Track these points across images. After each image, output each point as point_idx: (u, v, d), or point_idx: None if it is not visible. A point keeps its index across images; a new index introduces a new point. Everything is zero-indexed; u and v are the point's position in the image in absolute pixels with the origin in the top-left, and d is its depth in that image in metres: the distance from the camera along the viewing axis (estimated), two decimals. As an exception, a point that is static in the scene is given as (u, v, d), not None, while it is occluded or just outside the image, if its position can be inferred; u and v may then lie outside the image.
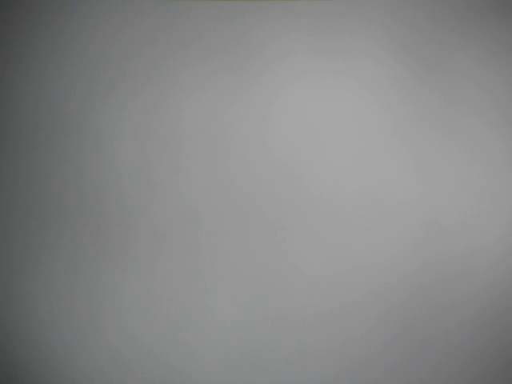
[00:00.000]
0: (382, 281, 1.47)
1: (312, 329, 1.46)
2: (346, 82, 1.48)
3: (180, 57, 1.48)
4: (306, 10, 1.48)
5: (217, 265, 1.46)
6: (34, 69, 1.48)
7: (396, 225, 1.47)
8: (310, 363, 1.46)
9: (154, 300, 1.46)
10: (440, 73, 1.49)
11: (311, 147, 1.48)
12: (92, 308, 1.45)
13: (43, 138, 1.47)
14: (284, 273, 1.46)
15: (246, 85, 1.48)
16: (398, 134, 1.49)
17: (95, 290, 1.45)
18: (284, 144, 1.48)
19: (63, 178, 1.46)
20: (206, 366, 1.46)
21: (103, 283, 1.45)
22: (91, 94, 1.47)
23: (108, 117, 1.47)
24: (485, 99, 1.49)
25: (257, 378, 1.46)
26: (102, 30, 1.48)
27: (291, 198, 1.47)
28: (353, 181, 1.48)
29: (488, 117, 1.49)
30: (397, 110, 1.49)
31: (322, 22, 1.48)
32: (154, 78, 1.48)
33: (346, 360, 1.47)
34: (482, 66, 1.49)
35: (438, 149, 1.49)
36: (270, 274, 1.46)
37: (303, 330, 1.46)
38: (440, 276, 1.47)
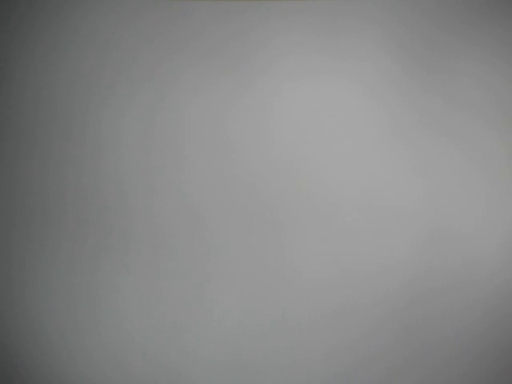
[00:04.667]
0: (384, 285, 1.47)
1: (313, 331, 1.46)
2: (346, 83, 1.49)
3: (180, 56, 1.48)
4: (306, 9, 1.48)
5: (218, 266, 1.46)
6: (33, 69, 1.48)
7: (397, 230, 1.47)
8: (311, 365, 1.46)
9: (155, 300, 1.46)
10: (439, 74, 1.49)
11: (312, 147, 1.48)
12: (92, 308, 1.45)
13: (43, 137, 1.47)
14: (285, 274, 1.46)
15: (247, 84, 1.48)
16: (398, 136, 1.49)
17: (95, 289, 1.46)
18: (284, 143, 1.48)
19: (63, 177, 1.46)
20: (206, 367, 1.46)
21: (103, 283, 1.46)
22: (91, 95, 1.47)
23: (108, 116, 1.47)
24: (485, 100, 1.49)
25: (257, 380, 1.46)
26: (101, 30, 1.48)
27: (292, 198, 1.47)
28: (354, 183, 1.48)
29: (489, 118, 1.49)
30: (396, 111, 1.49)
31: (322, 22, 1.48)
32: (154, 77, 1.48)
33: (346, 362, 1.47)
34: (482, 67, 1.49)
35: (439, 152, 1.49)
36: (272, 276, 1.46)
37: (304, 332, 1.46)
38: (441, 282, 1.47)
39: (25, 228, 1.46)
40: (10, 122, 1.47)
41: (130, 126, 1.47)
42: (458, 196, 1.48)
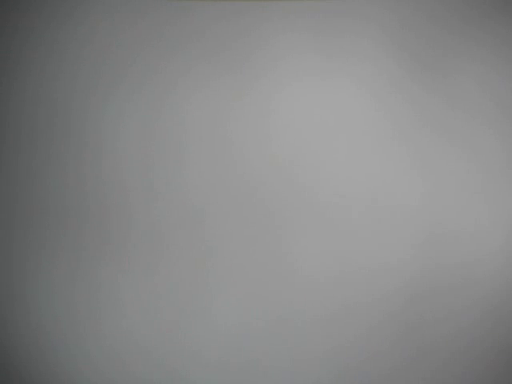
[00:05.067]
0: (384, 285, 1.47)
1: (312, 331, 1.46)
2: (346, 83, 1.49)
3: (181, 56, 1.48)
4: (307, 10, 1.48)
5: (218, 266, 1.46)
6: (33, 69, 1.48)
7: (398, 230, 1.47)
8: (310, 366, 1.47)
9: (155, 301, 1.46)
10: (440, 74, 1.49)
11: (312, 147, 1.48)
12: (92, 308, 1.46)
13: (43, 138, 1.47)
14: (284, 274, 1.46)
15: (247, 84, 1.48)
16: (398, 135, 1.49)
17: (95, 290, 1.46)
18: (285, 143, 1.48)
19: (64, 177, 1.46)
20: (206, 367, 1.46)
21: (103, 284, 1.46)
22: (91, 95, 1.47)
23: (109, 116, 1.47)
24: (485, 100, 1.49)
25: (257, 380, 1.46)
26: (101, 30, 1.48)
27: (292, 198, 1.48)
28: (354, 183, 1.48)
29: (489, 118, 1.49)
30: (397, 111, 1.49)
31: (322, 22, 1.48)
32: (154, 78, 1.48)
33: (345, 363, 1.47)
34: (482, 66, 1.50)
35: (440, 151, 1.49)
36: (271, 275, 1.46)
37: (303, 332, 1.46)
38: (441, 282, 1.47)
39: (25, 229, 1.46)
40: (10, 123, 1.47)
41: (130, 126, 1.47)
42: (459, 196, 1.48)
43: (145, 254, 1.46)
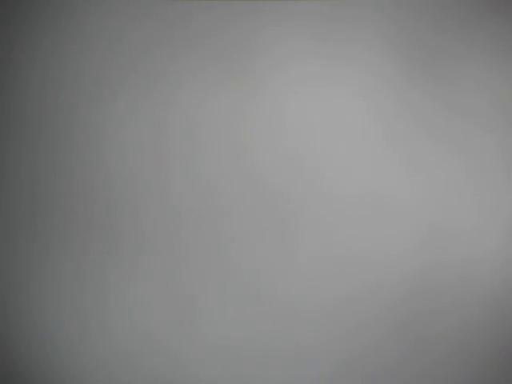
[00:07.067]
0: (382, 278, 1.48)
1: (310, 323, 1.46)
2: (345, 88, 1.48)
3: (188, 57, 1.46)
4: (309, 14, 1.48)
5: (226, 263, 1.46)
6: (36, 70, 1.46)
7: (397, 229, 1.48)
8: (308, 358, 1.47)
9: (161, 299, 1.45)
10: (438, 78, 1.49)
11: (314, 149, 1.48)
12: (98, 309, 1.44)
13: (48, 139, 1.45)
14: (285, 266, 1.47)
15: (255, 86, 1.47)
16: (398, 138, 1.49)
17: (101, 290, 1.44)
18: (287, 145, 1.48)
19: (70, 179, 1.45)
20: (209, 363, 1.46)
21: (110, 284, 1.44)
22: (97, 97, 1.45)
23: (115, 118, 1.45)
24: (484, 103, 1.50)
25: (256, 372, 1.47)
26: (107, 31, 1.46)
27: (294, 198, 1.47)
28: (355, 183, 1.48)
29: (488, 120, 1.50)
30: (396, 115, 1.49)
31: (323, 27, 1.48)
32: (161, 79, 1.46)
33: (343, 355, 1.47)
34: (481, 70, 1.50)
35: (439, 153, 1.49)
36: (272, 268, 1.46)
37: (301, 325, 1.46)
38: (439, 279, 1.48)
39: (30, 230, 1.44)
40: (14, 123, 1.45)
41: (136, 128, 1.45)
42: (457, 196, 1.49)
43: (153, 252, 1.45)
